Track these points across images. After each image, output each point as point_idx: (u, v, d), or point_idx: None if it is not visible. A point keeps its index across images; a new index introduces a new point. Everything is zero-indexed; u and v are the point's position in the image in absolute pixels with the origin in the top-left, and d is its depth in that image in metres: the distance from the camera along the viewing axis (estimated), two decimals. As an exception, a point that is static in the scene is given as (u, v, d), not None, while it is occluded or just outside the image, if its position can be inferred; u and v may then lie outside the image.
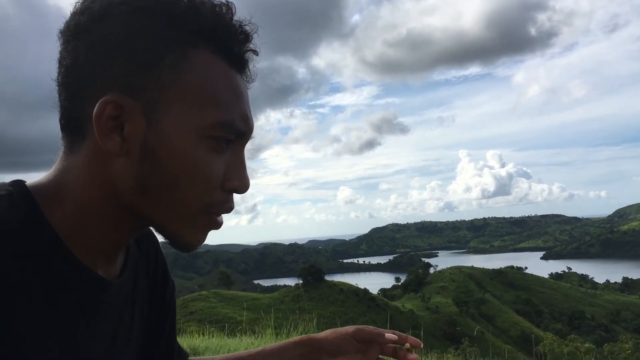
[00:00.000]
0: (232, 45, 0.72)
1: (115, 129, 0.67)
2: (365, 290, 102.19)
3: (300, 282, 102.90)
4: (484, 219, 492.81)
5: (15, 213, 0.64)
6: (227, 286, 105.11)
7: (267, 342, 4.26)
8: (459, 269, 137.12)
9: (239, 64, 0.74)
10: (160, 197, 0.69)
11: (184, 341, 4.19)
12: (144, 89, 0.67)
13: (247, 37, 0.73)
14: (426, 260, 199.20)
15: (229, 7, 0.71)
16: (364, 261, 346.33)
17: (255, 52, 0.75)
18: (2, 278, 0.58)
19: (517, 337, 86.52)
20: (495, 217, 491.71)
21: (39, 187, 0.69)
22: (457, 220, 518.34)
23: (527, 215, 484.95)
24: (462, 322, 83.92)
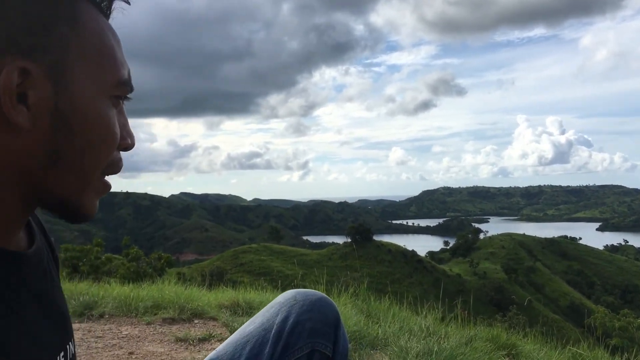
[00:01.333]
0: None
1: (18, 100, 0.60)
2: (413, 252, 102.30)
3: (349, 240, 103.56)
4: (539, 186, 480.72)
5: None
6: (277, 240, 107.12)
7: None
8: (509, 235, 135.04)
9: (109, 10, 0.71)
10: (71, 166, 0.65)
11: (238, 294, 4.30)
12: (43, 48, 0.61)
13: None
14: (476, 225, 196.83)
15: None
16: (413, 223, 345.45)
17: (127, 2, 0.72)
18: None
19: (566, 308, 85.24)
20: (551, 185, 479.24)
21: None
22: (510, 187, 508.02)
23: (584, 184, 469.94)
24: (510, 289, 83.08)
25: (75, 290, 4.19)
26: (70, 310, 3.84)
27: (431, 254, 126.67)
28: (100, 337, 3.30)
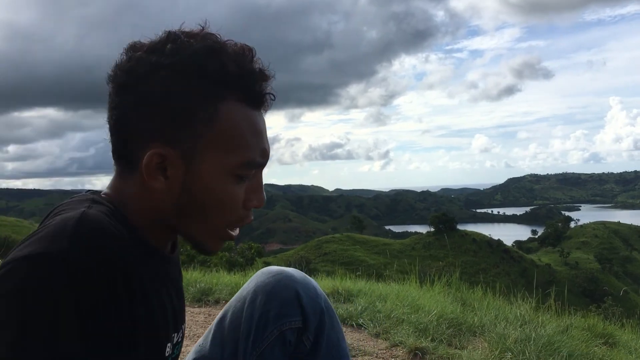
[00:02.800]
0: (254, 91, 0.88)
1: (159, 172, 0.85)
2: (499, 242, 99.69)
3: (432, 229, 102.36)
4: (635, 171, 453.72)
5: (116, 214, 0.84)
6: (360, 230, 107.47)
7: (411, 290, 4.52)
8: (603, 224, 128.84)
9: (259, 103, 0.90)
10: (192, 220, 0.89)
11: (336, 282, 4.54)
12: (180, 140, 0.84)
13: (266, 78, 0.88)
14: (567, 213, 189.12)
15: (251, 51, 0.87)
16: (499, 212, 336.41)
17: (273, 96, 0.91)
18: (125, 254, 0.77)
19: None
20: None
21: (113, 200, 0.89)
22: (603, 173, 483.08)
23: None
24: (604, 279, 79.47)
25: (190, 278, 4.60)
26: (189, 296, 4.28)
27: (518, 243, 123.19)
28: (219, 320, 3.66)
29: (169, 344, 0.95)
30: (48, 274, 0.69)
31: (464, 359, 2.74)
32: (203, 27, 0.86)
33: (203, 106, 0.83)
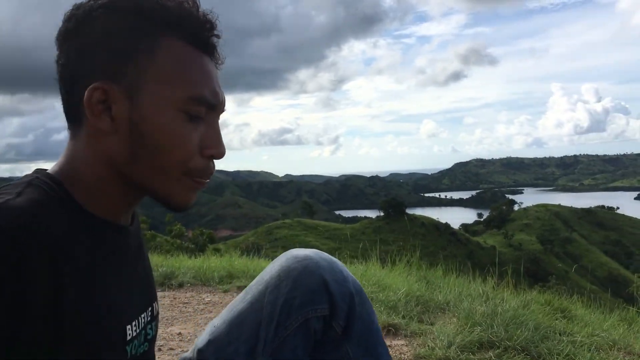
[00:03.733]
0: (198, 32, 0.88)
1: (104, 111, 0.83)
2: (447, 225, 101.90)
3: (382, 214, 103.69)
4: (575, 156, 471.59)
5: (53, 195, 0.82)
6: (310, 216, 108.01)
7: (375, 270, 4.56)
8: (545, 206, 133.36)
9: (207, 48, 0.90)
10: (148, 164, 0.85)
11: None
12: (124, 74, 0.83)
13: (211, 25, 0.89)
14: (511, 197, 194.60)
15: (194, 1, 0.88)
16: (446, 196, 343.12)
17: (218, 37, 0.91)
18: (54, 235, 0.75)
19: (603, 279, 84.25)
20: (587, 155, 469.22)
21: (60, 174, 0.86)
22: (545, 157, 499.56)
23: (622, 153, 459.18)
24: (546, 260, 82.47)
25: (152, 262, 4.52)
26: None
27: (465, 226, 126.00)
28: (186, 303, 3.62)
29: (130, 325, 0.90)
30: None
31: (436, 333, 2.79)
32: None
33: (143, 41, 0.84)
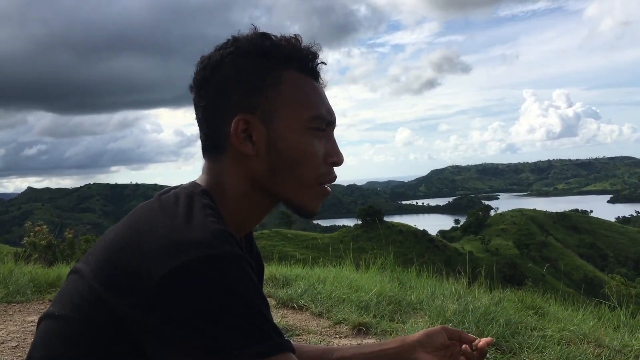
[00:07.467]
0: (307, 63, 1.05)
1: (246, 138, 1.00)
2: (424, 232, 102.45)
3: (359, 222, 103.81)
4: (548, 161, 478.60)
5: (214, 211, 0.95)
6: (288, 226, 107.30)
7: (348, 272, 4.53)
8: (520, 211, 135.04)
9: (315, 75, 1.07)
10: (285, 176, 1.01)
11: (273, 269, 4.50)
12: (257, 105, 1.00)
13: (315, 55, 1.06)
14: (486, 202, 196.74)
15: (297, 38, 1.05)
16: (423, 203, 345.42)
17: (324, 63, 1.08)
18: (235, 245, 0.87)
19: (579, 281, 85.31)
20: (560, 159, 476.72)
21: (210, 189, 1.02)
22: (519, 162, 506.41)
23: (594, 157, 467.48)
24: (522, 264, 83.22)
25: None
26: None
27: (442, 232, 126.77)
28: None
29: None
30: (238, 269, 0.84)
31: (407, 331, 2.77)
32: (255, 27, 1.06)
33: (269, 76, 1.00)
